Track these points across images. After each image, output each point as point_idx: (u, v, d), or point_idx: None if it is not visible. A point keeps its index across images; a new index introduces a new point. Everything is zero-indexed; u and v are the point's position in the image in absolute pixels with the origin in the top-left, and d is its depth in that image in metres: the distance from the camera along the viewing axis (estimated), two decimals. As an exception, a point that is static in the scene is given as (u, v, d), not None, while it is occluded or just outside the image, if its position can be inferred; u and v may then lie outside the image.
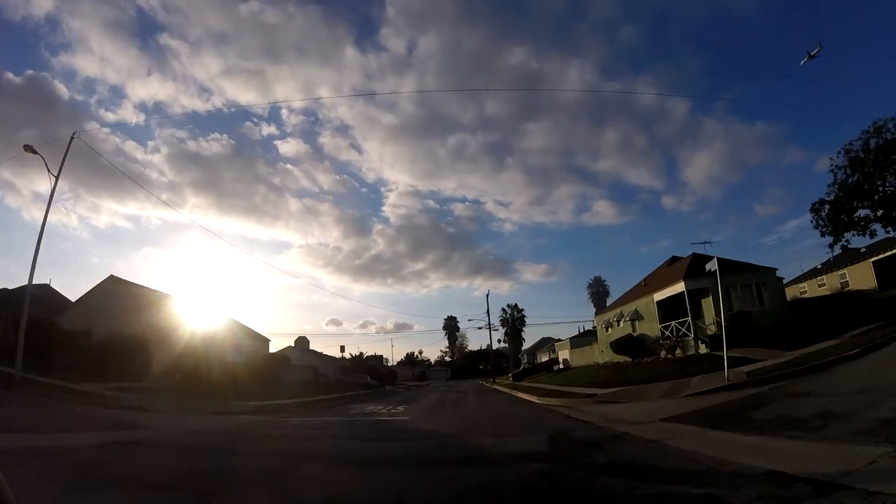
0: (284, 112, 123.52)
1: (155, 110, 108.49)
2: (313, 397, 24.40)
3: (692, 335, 22.09)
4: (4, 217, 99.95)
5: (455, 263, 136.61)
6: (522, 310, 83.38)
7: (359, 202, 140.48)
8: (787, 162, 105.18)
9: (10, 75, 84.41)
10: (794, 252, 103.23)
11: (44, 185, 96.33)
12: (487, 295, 55.05)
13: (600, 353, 33.87)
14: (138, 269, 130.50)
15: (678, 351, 22.63)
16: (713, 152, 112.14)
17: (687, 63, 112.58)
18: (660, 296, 25.08)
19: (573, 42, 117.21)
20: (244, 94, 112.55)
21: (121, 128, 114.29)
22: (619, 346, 27.54)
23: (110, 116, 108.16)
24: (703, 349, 21.13)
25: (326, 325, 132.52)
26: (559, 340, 51.33)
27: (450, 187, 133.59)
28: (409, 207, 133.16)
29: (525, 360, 67.70)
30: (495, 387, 39.07)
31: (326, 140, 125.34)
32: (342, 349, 70.08)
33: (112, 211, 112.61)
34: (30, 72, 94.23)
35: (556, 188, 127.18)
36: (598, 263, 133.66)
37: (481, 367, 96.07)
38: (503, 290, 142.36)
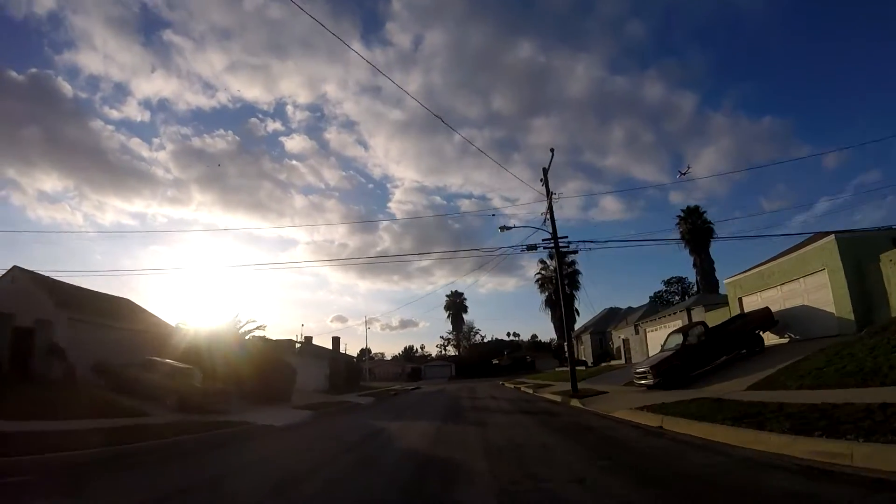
0: (290, 108, 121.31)
1: (159, 107, 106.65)
2: None
3: None
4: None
5: (461, 260, 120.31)
6: (574, 262, 47.73)
7: (365, 198, 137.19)
8: (794, 157, 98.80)
9: (13, 73, 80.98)
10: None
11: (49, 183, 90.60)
12: (547, 167, 18.72)
13: None
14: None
15: None
16: (720, 148, 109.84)
17: (694, 59, 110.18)
18: None
19: (581, 37, 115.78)
20: (249, 90, 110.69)
21: (125, 125, 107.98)
22: None
23: (115, 114, 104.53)
24: None
25: (331, 321, 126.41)
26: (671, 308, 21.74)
27: (456, 183, 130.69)
28: (415, 203, 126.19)
29: (589, 344, 38.39)
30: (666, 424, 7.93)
31: (332, 136, 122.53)
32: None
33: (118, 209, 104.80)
34: (33, 70, 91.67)
35: (563, 184, 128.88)
36: (603, 262, 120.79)
37: (496, 361, 66.09)
38: (508, 287, 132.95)
